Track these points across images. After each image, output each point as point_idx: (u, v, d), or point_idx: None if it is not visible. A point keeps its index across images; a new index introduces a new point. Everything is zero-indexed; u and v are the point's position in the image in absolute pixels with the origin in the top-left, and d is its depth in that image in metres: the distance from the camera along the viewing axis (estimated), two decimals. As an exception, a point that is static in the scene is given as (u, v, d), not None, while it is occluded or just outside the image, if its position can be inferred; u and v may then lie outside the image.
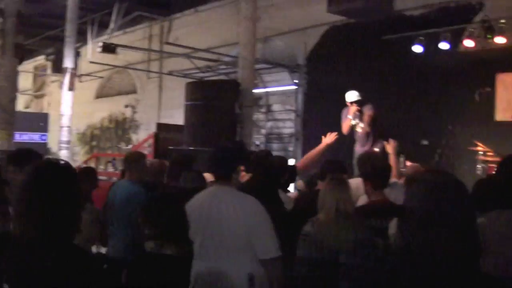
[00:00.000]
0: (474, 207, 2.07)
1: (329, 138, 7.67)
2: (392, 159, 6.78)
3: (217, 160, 4.22)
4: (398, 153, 11.48)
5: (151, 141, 14.36)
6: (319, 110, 15.02)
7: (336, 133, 7.92)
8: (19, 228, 2.41)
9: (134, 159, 6.32)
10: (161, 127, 15.23)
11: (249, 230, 3.87)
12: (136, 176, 6.18)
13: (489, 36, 11.44)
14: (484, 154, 10.77)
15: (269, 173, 5.69)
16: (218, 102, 11.76)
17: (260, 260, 3.89)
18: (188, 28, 19.06)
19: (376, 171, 5.08)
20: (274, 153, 7.71)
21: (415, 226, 1.95)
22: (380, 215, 4.61)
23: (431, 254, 1.90)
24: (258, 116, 17.18)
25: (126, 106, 22.91)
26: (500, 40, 11.44)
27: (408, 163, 8.90)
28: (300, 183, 7.44)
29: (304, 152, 15.28)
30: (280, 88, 16.80)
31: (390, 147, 7.12)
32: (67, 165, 2.66)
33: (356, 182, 5.55)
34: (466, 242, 1.92)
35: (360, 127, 10.38)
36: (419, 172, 5.97)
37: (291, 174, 6.40)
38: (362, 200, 5.31)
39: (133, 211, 4.77)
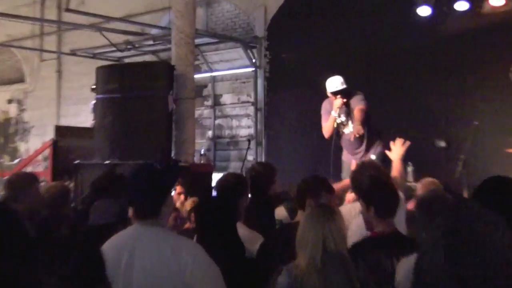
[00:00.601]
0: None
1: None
2: (396, 168, 6.83)
3: (136, 190, 4.12)
4: (404, 161, 11.57)
5: (47, 152, 14.06)
6: (288, 100, 15.03)
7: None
8: None
9: (21, 185, 6.18)
10: (61, 131, 14.96)
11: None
12: (25, 209, 5.88)
13: (525, -10, 11.52)
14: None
15: (220, 199, 5.66)
16: (144, 93, 11.51)
17: None
18: (97, -12, 18.77)
19: (381, 190, 5.11)
20: (224, 165, 7.45)
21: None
22: (390, 254, 4.59)
23: None
24: (202, 111, 17.13)
25: (10, 101, 22.50)
26: (540, -4, 11.51)
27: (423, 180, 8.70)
28: (280, 210, 7.19)
29: (269, 160, 15.23)
30: (231, 72, 16.79)
31: (395, 150, 7.07)
32: None
33: (346, 209, 5.76)
34: None
35: (348, 128, 10.25)
36: (439, 195, 5.86)
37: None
38: (356, 227, 5.41)
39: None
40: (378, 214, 4.92)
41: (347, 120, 10.21)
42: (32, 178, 6.52)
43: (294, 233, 4.66)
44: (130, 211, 5.88)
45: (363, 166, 6.24)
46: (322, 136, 10.59)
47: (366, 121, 10.12)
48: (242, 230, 5.59)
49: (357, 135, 9.82)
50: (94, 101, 15.02)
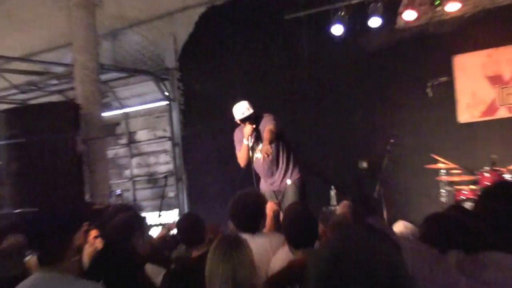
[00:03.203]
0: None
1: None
2: None
3: (37, 236, 4.07)
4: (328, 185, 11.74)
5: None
6: (205, 132, 15.04)
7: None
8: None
9: None
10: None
11: None
12: None
13: (436, 2, 11.79)
14: (448, 172, 11.05)
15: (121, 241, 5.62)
16: (49, 137, 11.46)
17: None
18: (-5, 26, 18.57)
19: (291, 221, 5.26)
20: (145, 204, 7.49)
21: None
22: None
23: None
24: (117, 151, 17.08)
25: None
26: (452, 7, 11.77)
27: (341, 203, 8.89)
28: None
29: (191, 196, 15.28)
30: (144, 107, 16.77)
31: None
32: None
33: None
34: None
35: (258, 152, 9.96)
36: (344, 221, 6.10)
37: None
38: (281, 257, 5.42)
39: None
40: (294, 246, 5.15)
41: (256, 144, 9.92)
42: None
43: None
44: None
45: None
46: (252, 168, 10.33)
47: (282, 147, 9.98)
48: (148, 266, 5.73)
49: (265, 156, 9.31)
50: None
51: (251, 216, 5.88)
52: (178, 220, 6.58)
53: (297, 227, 5.23)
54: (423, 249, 3.24)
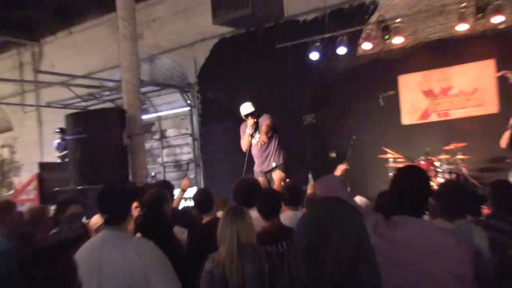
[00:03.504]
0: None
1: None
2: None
3: (106, 203, 4.05)
4: (306, 171, 11.67)
5: (35, 183, 13.82)
6: (217, 130, 15.06)
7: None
8: None
9: (2, 210, 5.96)
10: (44, 166, 14.66)
11: (149, 276, 3.76)
12: (9, 229, 5.78)
13: (386, 36, 11.83)
14: (394, 160, 11.03)
15: (156, 209, 5.57)
16: (103, 133, 11.40)
17: None
18: (64, 53, 18.54)
19: (261, 198, 5.39)
20: (173, 183, 7.50)
21: (299, 255, 1.90)
22: (273, 241, 4.84)
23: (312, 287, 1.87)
24: (152, 144, 17.01)
25: (3, 146, 21.97)
26: (397, 40, 11.86)
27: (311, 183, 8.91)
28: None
29: (207, 178, 15.24)
30: (172, 111, 16.66)
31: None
32: None
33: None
34: (352, 275, 1.87)
35: (255, 139, 10.28)
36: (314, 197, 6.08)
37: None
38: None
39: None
40: (265, 218, 5.25)
41: (254, 133, 10.23)
42: (11, 204, 6.34)
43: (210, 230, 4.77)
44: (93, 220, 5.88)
45: (245, 181, 6.29)
46: (246, 155, 10.50)
47: (274, 138, 10.20)
48: (176, 229, 5.69)
49: (262, 143, 9.94)
50: (57, 141, 14.95)
51: (248, 195, 5.82)
52: (194, 193, 6.53)
53: (265, 202, 5.33)
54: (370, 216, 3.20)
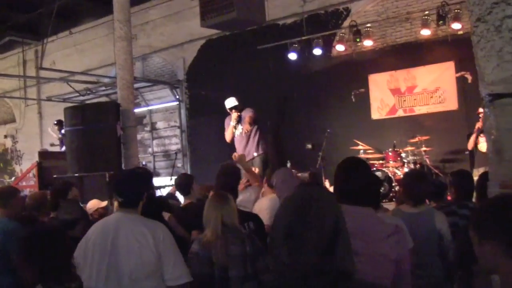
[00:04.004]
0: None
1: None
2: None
3: (125, 186, 3.97)
4: (285, 159, 11.67)
5: (35, 171, 13.67)
6: (203, 123, 15.02)
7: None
8: None
9: (6, 196, 5.85)
10: (44, 155, 14.45)
11: (160, 256, 3.71)
12: (13, 212, 5.71)
13: (357, 39, 11.86)
14: (365, 152, 11.09)
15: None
16: (99, 125, 11.29)
17: (169, 286, 3.73)
18: (64, 51, 18.38)
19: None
20: (161, 172, 7.47)
21: (280, 237, 1.88)
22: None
23: (294, 268, 1.84)
24: (143, 135, 16.90)
25: (6, 136, 21.74)
26: (368, 42, 11.95)
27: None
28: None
29: (193, 166, 15.20)
30: (162, 105, 16.56)
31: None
32: None
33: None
34: (330, 255, 1.85)
35: (238, 130, 10.28)
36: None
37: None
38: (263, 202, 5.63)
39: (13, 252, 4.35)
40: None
41: (237, 125, 10.25)
42: (14, 190, 6.23)
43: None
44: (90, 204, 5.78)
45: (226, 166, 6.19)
46: (229, 146, 10.57)
47: (255, 129, 10.22)
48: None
49: (246, 131, 10.00)
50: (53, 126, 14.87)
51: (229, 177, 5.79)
52: (176, 177, 6.52)
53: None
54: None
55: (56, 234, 3.29)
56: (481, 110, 8.71)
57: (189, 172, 15.10)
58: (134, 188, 3.97)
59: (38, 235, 3.25)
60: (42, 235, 3.24)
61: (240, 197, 5.89)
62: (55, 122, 15.36)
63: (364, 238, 2.80)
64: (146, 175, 4.22)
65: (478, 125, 8.94)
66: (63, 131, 14.51)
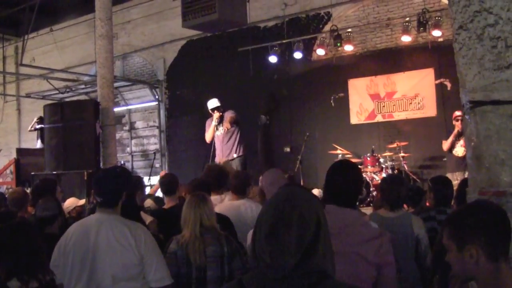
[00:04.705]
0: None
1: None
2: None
3: (105, 186, 3.87)
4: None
5: (12, 167, 13.51)
6: (182, 124, 15.00)
7: None
8: None
9: None
10: (21, 152, 14.34)
11: (143, 258, 3.64)
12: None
13: (338, 44, 11.87)
14: (343, 156, 11.08)
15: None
16: (78, 123, 11.19)
17: None
18: (44, 48, 18.18)
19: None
20: (139, 171, 7.42)
21: (262, 237, 1.86)
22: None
23: (275, 268, 1.82)
24: (122, 134, 16.78)
25: (-17, 132, 21.46)
26: (348, 47, 11.97)
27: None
28: (148, 201, 7.11)
29: (171, 166, 15.14)
30: (142, 105, 16.48)
31: None
32: None
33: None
34: (311, 255, 1.84)
35: (219, 130, 10.19)
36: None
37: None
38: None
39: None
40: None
41: (219, 125, 10.18)
42: None
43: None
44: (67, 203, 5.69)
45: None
46: (207, 147, 10.51)
47: (236, 131, 10.11)
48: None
49: (226, 129, 9.94)
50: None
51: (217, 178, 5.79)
52: (162, 177, 6.44)
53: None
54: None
55: (26, 229, 3.30)
56: (458, 113, 8.77)
57: (167, 171, 15.05)
58: (114, 188, 3.86)
59: (9, 231, 3.25)
60: (12, 230, 3.25)
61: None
62: (37, 120, 15.20)
63: (346, 239, 2.81)
64: (125, 174, 4.12)
65: (458, 128, 8.94)
66: (39, 126, 14.40)
